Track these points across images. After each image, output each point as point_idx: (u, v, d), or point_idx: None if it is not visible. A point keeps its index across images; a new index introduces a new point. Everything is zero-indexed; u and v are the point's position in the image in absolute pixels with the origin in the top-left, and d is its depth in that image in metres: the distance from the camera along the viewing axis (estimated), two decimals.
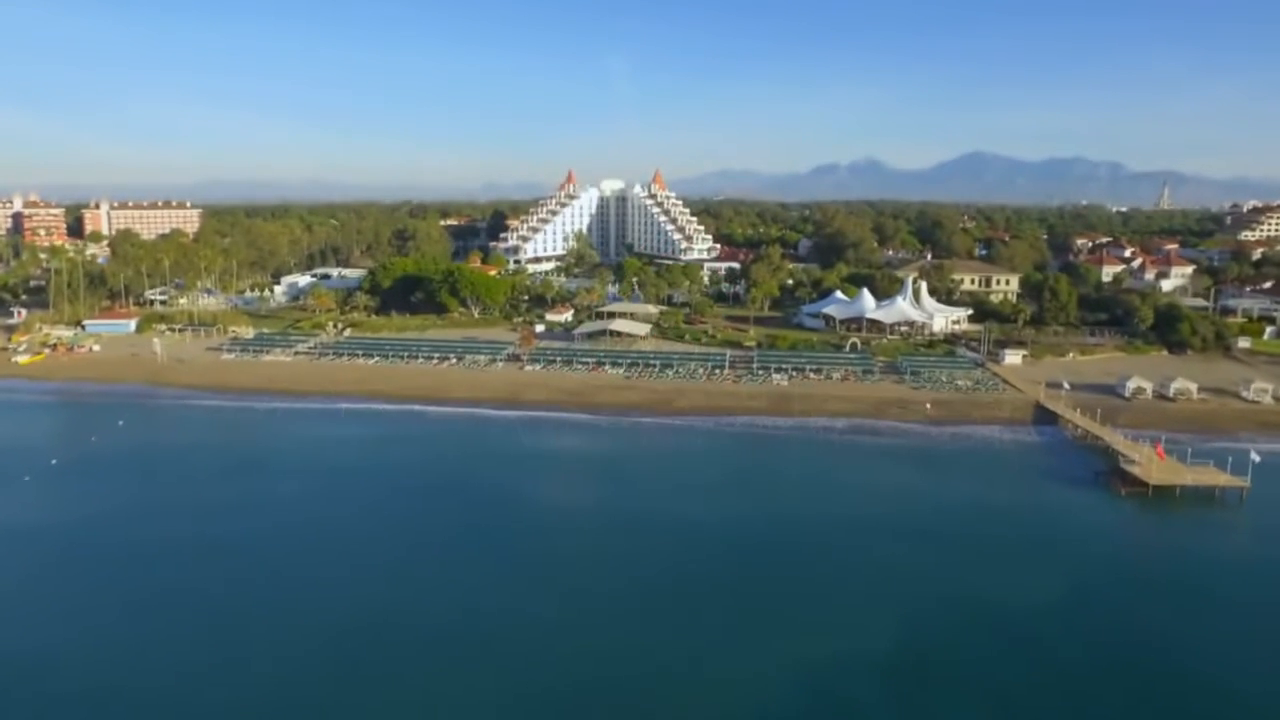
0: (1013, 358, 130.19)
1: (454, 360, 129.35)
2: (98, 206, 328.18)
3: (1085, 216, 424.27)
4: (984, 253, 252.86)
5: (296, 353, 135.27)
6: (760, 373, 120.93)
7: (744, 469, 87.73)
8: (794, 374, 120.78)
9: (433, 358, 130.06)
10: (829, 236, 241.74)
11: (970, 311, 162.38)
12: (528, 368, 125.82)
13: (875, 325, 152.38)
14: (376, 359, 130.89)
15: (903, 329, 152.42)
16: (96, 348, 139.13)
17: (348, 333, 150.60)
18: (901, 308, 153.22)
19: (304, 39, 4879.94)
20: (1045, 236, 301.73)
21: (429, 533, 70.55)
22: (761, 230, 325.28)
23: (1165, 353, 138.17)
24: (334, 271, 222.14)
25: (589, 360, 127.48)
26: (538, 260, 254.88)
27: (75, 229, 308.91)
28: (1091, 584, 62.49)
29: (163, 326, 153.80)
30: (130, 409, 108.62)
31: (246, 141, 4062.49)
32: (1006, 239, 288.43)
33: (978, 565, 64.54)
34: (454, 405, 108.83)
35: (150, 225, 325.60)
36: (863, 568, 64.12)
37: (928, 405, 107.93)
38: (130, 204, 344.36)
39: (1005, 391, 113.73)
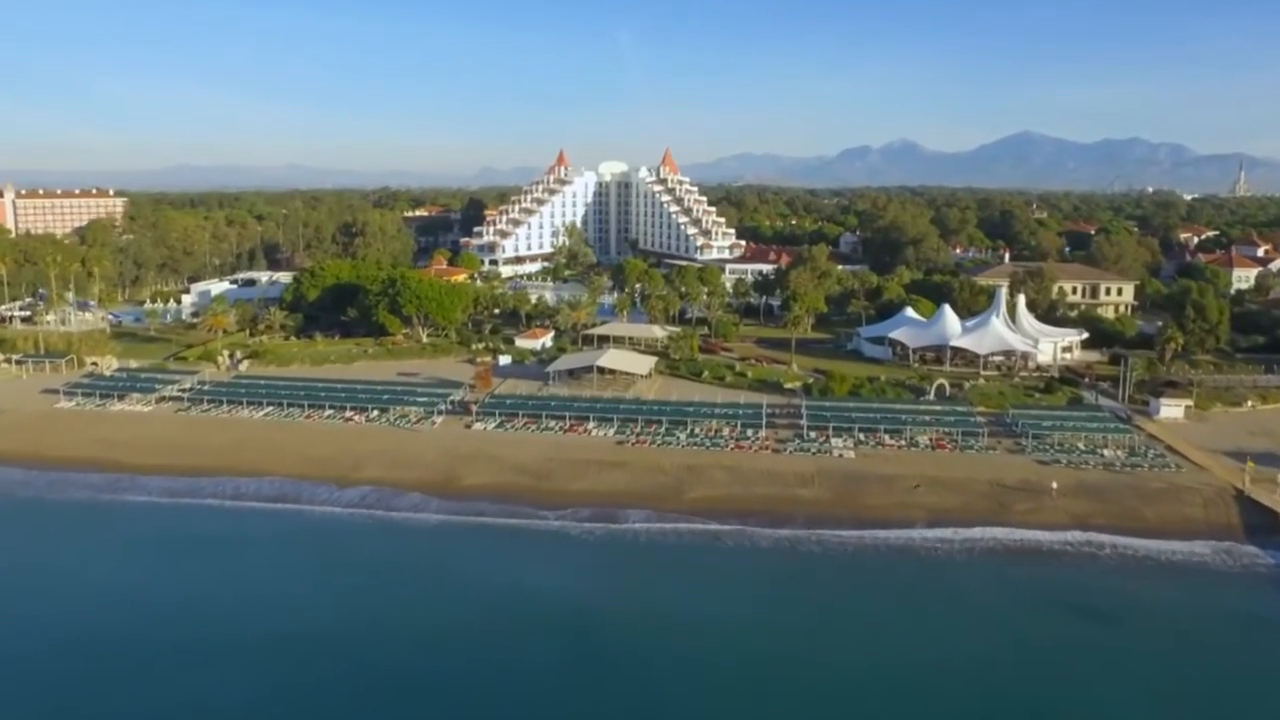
0: (1171, 409, 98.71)
1: (375, 413, 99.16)
2: (1, 195, 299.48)
3: (1175, 205, 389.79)
4: (1067, 251, 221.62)
5: (161, 399, 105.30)
6: (812, 436, 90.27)
7: (793, 637, 56.63)
8: (861, 437, 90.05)
9: (345, 409, 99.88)
10: (881, 231, 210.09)
11: (1085, 334, 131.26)
12: (477, 425, 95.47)
13: (960, 355, 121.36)
14: (269, 410, 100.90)
15: (996, 359, 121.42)
16: None
17: (244, 365, 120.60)
18: (997, 330, 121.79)
19: (285, 10, 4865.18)
20: (1136, 229, 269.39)
21: None
22: (794, 222, 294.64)
23: None
24: (262, 276, 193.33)
25: (565, 414, 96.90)
26: (519, 260, 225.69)
27: None
28: None
29: None
30: None
31: (223, 123, 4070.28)
32: (1093, 231, 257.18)
33: None
34: (360, 487, 79.51)
35: (65, 217, 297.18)
36: None
37: (1053, 485, 77.64)
38: (41, 191, 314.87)
39: (1180, 470, 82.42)
